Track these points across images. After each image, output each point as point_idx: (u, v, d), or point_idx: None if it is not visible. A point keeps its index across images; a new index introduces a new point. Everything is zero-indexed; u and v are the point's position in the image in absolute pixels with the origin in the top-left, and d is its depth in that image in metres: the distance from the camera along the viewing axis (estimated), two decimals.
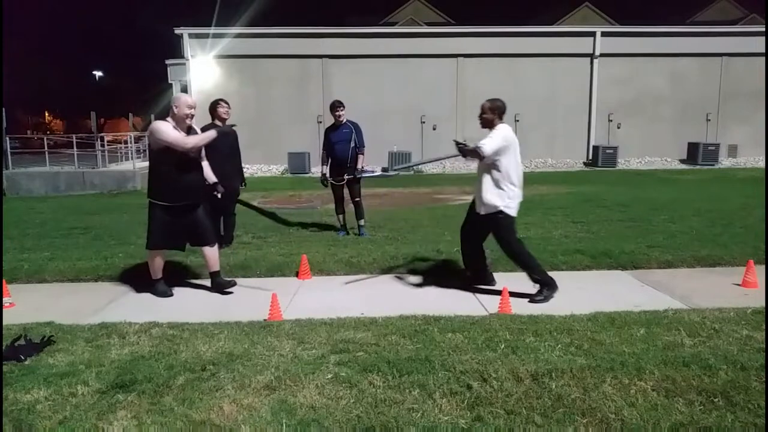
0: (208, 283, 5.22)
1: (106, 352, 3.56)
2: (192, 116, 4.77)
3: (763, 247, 5.92)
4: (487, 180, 4.66)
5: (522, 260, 4.76)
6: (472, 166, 20.96)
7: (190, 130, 4.81)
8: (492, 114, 4.66)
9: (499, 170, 4.60)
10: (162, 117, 4.86)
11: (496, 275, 5.34)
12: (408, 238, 7.05)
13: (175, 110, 4.70)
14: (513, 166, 4.63)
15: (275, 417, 2.73)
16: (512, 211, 4.68)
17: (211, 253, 5.02)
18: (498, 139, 4.55)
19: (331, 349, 3.54)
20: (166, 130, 4.61)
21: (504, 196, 4.64)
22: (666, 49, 19.07)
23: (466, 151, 4.65)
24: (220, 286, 5.02)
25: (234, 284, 5.09)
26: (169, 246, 4.97)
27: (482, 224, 4.84)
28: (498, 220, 4.68)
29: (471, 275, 5.12)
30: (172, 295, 4.96)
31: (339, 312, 4.27)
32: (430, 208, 9.57)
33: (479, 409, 2.77)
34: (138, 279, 5.51)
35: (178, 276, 5.57)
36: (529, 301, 4.61)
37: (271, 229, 7.89)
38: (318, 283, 5.36)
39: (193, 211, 4.86)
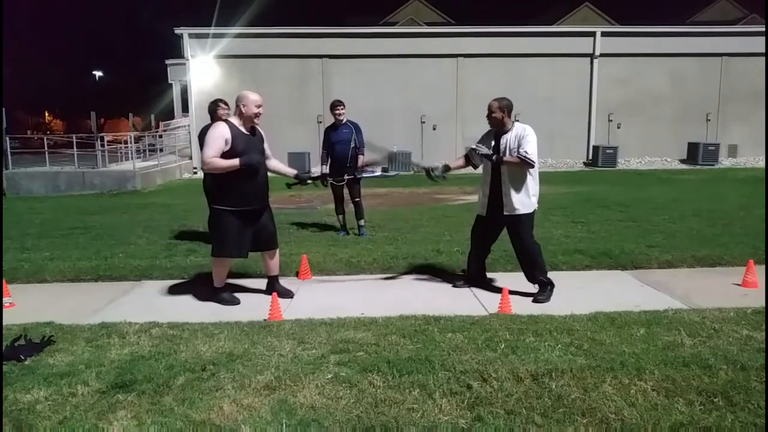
0: (208, 281, 5.22)
1: (106, 352, 3.56)
2: (260, 115, 4.55)
3: (763, 247, 5.92)
4: (519, 180, 4.57)
5: (533, 258, 4.71)
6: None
7: (254, 130, 4.62)
8: (501, 113, 4.59)
9: (530, 172, 4.58)
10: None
11: (496, 275, 5.35)
12: (408, 238, 7.05)
13: (243, 109, 4.47)
14: (538, 163, 4.63)
15: (275, 417, 2.73)
16: (536, 206, 4.71)
17: (274, 257, 4.91)
18: (534, 142, 4.49)
19: (331, 349, 3.54)
20: (210, 142, 4.39)
21: (534, 195, 4.65)
22: (666, 49, 19.07)
23: (512, 162, 4.50)
24: (279, 293, 4.76)
25: (292, 296, 4.90)
26: (236, 253, 4.70)
27: (501, 225, 4.78)
28: (526, 218, 4.64)
29: (471, 276, 5.12)
30: (239, 302, 4.72)
31: (339, 312, 4.27)
32: (430, 208, 9.57)
33: (479, 409, 2.77)
34: (137, 279, 5.53)
35: (178, 276, 5.58)
36: (532, 301, 4.60)
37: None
38: (318, 283, 5.36)
39: (260, 216, 4.70)
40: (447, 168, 5.08)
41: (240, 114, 4.52)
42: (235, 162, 4.40)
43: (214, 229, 4.68)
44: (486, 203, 4.81)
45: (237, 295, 4.86)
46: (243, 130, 4.52)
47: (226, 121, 4.57)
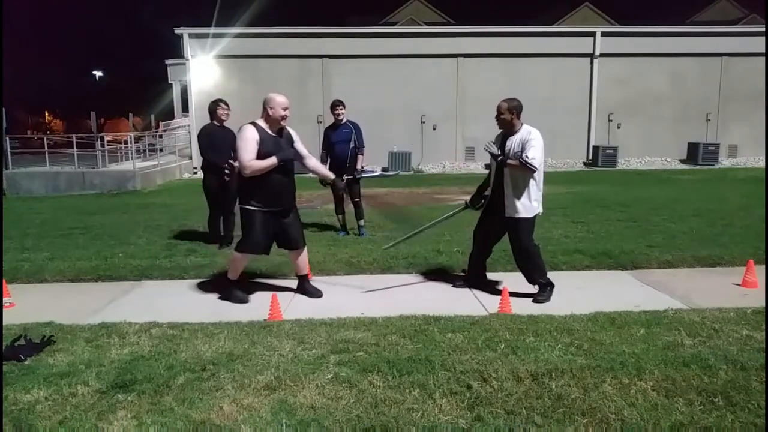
0: (207, 282, 5.22)
1: (106, 352, 3.56)
2: (287, 117, 4.57)
3: (763, 247, 5.92)
4: (520, 184, 4.55)
5: (532, 261, 4.71)
6: (472, 166, 20.72)
7: (282, 132, 4.64)
8: (510, 114, 4.57)
9: (535, 177, 4.56)
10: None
11: (496, 275, 5.35)
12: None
13: (270, 112, 4.50)
14: (542, 167, 4.61)
15: (275, 417, 2.73)
16: (539, 210, 4.70)
17: (302, 256, 4.92)
18: (540, 147, 4.48)
19: (331, 349, 3.54)
20: (244, 146, 4.40)
21: (537, 200, 4.62)
22: (666, 49, 19.06)
23: (514, 166, 4.49)
24: (308, 293, 4.88)
25: (321, 295, 4.90)
26: (260, 251, 4.74)
27: (502, 226, 4.77)
28: (526, 221, 4.63)
29: (471, 276, 5.12)
30: (248, 302, 4.76)
31: (339, 312, 4.27)
32: (430, 208, 9.56)
33: (479, 409, 2.77)
34: (137, 279, 5.52)
35: (178, 276, 5.58)
36: (532, 301, 4.60)
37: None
38: (318, 283, 5.35)
39: (286, 216, 4.73)
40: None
41: (267, 117, 4.55)
42: (273, 160, 4.45)
43: (243, 226, 4.72)
44: (486, 202, 4.85)
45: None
46: (270, 132, 4.54)
47: (253, 123, 4.57)
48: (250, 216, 4.61)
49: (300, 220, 4.97)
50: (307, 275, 5.03)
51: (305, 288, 4.96)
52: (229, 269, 4.88)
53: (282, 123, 4.59)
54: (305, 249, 4.99)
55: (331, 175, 5.15)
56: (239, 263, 4.81)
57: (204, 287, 5.21)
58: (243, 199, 4.67)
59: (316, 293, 4.93)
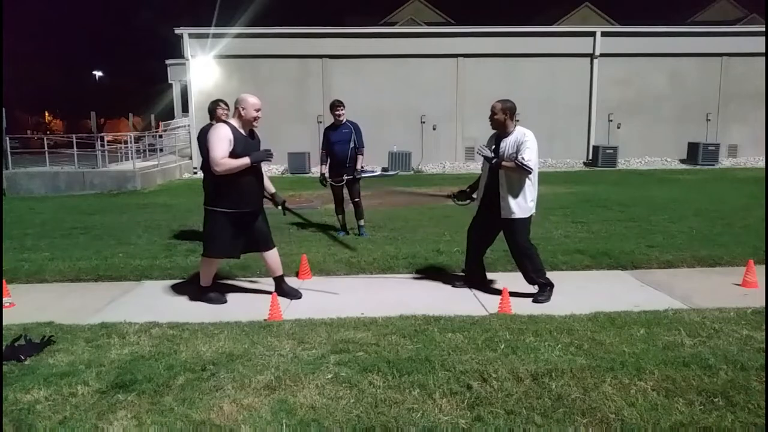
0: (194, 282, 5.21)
1: (106, 352, 3.56)
2: (258, 118, 4.54)
3: (763, 247, 5.92)
4: (516, 185, 4.56)
5: (530, 261, 4.71)
6: (471, 166, 20.72)
7: (253, 134, 4.61)
8: (504, 115, 4.59)
9: (530, 178, 4.57)
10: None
11: (496, 275, 5.35)
12: (408, 238, 7.05)
13: (242, 112, 4.46)
14: (537, 168, 4.61)
15: (275, 417, 2.73)
16: (533, 211, 4.70)
17: (273, 257, 4.86)
18: (535, 148, 4.49)
19: (331, 349, 3.54)
20: (215, 143, 4.34)
21: (533, 201, 4.63)
22: (666, 49, 19.05)
23: (509, 168, 4.49)
24: (285, 294, 4.82)
25: (300, 296, 4.88)
26: (228, 254, 4.75)
27: (498, 227, 4.77)
28: (521, 222, 4.63)
29: (470, 276, 5.12)
30: (226, 301, 4.76)
31: (339, 312, 4.27)
32: (430, 208, 9.56)
33: (479, 409, 2.77)
34: (137, 279, 5.52)
35: (178, 276, 5.58)
36: (532, 301, 4.61)
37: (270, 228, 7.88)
38: (318, 283, 5.36)
39: (254, 219, 4.70)
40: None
41: (239, 117, 4.50)
42: (246, 160, 4.41)
43: (208, 230, 4.66)
44: (479, 202, 4.86)
45: (237, 294, 4.86)
46: (242, 132, 4.51)
47: (226, 122, 4.56)
48: (217, 219, 4.55)
49: (267, 221, 4.88)
50: (282, 276, 4.94)
51: (282, 289, 4.86)
52: (201, 275, 4.78)
53: (254, 124, 4.57)
54: (275, 249, 4.93)
55: (272, 190, 5.11)
56: (207, 268, 4.74)
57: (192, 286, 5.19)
58: (211, 201, 4.59)
59: (294, 294, 4.87)
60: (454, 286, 5.10)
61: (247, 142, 4.51)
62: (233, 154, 4.39)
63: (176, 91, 23.96)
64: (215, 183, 4.52)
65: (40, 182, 14.15)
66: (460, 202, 5.10)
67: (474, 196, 4.98)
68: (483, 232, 4.91)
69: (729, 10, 34.05)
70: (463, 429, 2.64)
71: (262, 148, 4.67)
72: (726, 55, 19.34)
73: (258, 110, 4.52)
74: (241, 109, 4.48)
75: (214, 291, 4.83)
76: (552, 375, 3.07)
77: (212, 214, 4.60)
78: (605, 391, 2.92)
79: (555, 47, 19.02)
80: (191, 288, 5.04)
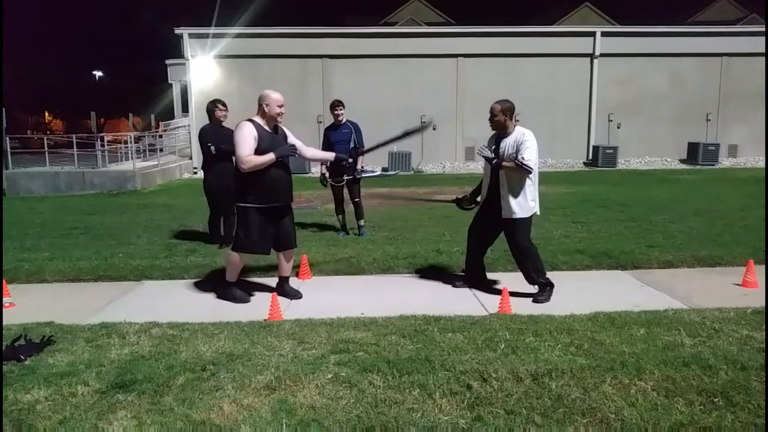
0: (207, 282, 5.21)
1: (106, 352, 3.56)
2: (282, 114, 4.59)
3: (763, 247, 5.92)
4: (517, 185, 4.55)
5: (531, 261, 4.71)
6: (471, 166, 20.72)
7: (277, 129, 4.66)
8: (503, 116, 4.59)
9: (530, 177, 4.57)
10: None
11: (496, 275, 5.35)
12: (408, 238, 7.05)
13: (266, 108, 4.53)
14: (537, 168, 4.61)
15: (275, 417, 2.73)
16: (535, 210, 4.70)
17: (290, 257, 4.92)
18: (534, 148, 4.49)
19: (331, 349, 3.53)
20: (242, 141, 4.40)
21: (534, 200, 4.63)
22: (666, 49, 19.06)
23: (509, 168, 4.49)
24: (286, 293, 4.85)
25: (300, 296, 4.90)
26: (258, 250, 4.71)
27: (499, 227, 4.77)
28: (522, 222, 4.63)
29: (471, 276, 5.12)
30: (249, 301, 4.76)
31: (339, 312, 4.27)
32: (430, 208, 9.55)
33: (479, 409, 2.77)
34: (137, 279, 5.52)
35: (178, 276, 5.58)
36: (532, 301, 4.61)
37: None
38: (318, 283, 5.36)
39: (283, 214, 4.74)
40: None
41: (263, 113, 4.57)
42: (271, 156, 4.47)
43: (239, 226, 4.69)
44: (482, 203, 4.86)
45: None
46: (267, 128, 4.56)
47: (250, 120, 4.58)
48: (248, 213, 4.60)
49: (293, 220, 4.95)
50: (288, 277, 4.97)
51: (284, 289, 4.89)
52: (227, 271, 4.84)
53: (278, 120, 4.62)
54: (293, 251, 4.96)
55: (331, 156, 5.26)
56: (235, 264, 4.77)
57: (204, 287, 5.20)
58: (240, 197, 4.65)
59: (294, 294, 4.90)
60: (454, 286, 5.10)
61: (272, 138, 4.57)
62: (259, 151, 4.44)
63: (176, 91, 23.96)
64: (244, 179, 4.56)
65: (40, 182, 14.15)
66: (466, 207, 5.10)
67: (478, 199, 4.98)
68: (483, 232, 4.91)
69: (729, 10, 34.05)
70: (463, 429, 2.64)
71: (295, 139, 4.79)
72: (726, 55, 19.34)
73: (281, 106, 4.58)
74: (264, 105, 4.54)
75: (241, 289, 4.86)
76: (552, 375, 3.07)
77: (243, 210, 4.64)
78: (605, 391, 2.92)
79: (555, 47, 19.02)
80: (206, 286, 5.13)
